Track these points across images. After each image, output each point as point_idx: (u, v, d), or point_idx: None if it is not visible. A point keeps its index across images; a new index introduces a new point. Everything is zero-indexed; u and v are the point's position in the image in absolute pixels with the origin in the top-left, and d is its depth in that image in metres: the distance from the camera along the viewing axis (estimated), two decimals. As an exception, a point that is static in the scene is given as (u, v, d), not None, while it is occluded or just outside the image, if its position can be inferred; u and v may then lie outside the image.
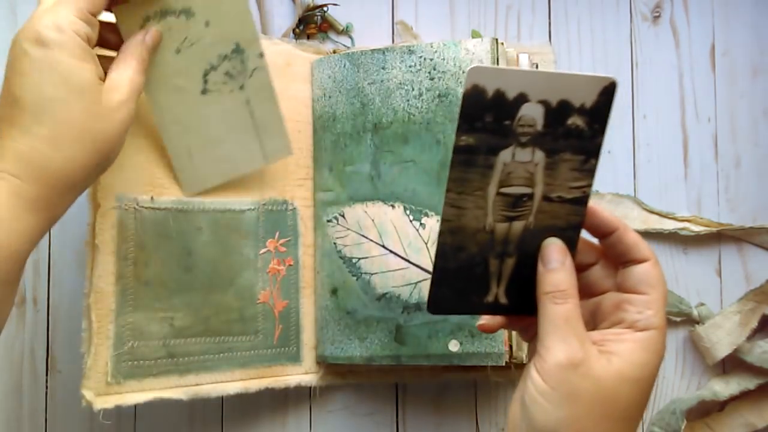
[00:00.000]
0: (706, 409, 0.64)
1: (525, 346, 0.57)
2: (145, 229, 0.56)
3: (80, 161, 0.45)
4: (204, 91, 0.55)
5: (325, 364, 0.62)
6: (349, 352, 0.60)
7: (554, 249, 0.41)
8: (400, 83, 0.59)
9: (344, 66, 0.61)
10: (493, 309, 0.43)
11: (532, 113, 0.39)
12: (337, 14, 0.66)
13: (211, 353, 0.58)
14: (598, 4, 0.67)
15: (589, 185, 0.41)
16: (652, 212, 0.65)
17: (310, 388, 0.63)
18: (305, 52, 0.64)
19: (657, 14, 0.67)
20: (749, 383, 0.62)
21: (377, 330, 0.59)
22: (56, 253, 0.63)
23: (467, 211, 0.40)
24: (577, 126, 0.40)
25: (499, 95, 0.38)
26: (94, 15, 0.47)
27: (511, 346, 0.57)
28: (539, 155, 0.40)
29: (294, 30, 0.66)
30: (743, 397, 0.63)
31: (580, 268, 0.44)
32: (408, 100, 0.59)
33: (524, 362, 0.56)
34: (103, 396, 0.53)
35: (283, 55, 0.62)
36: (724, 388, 0.63)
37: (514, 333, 0.57)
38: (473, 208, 0.40)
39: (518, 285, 0.43)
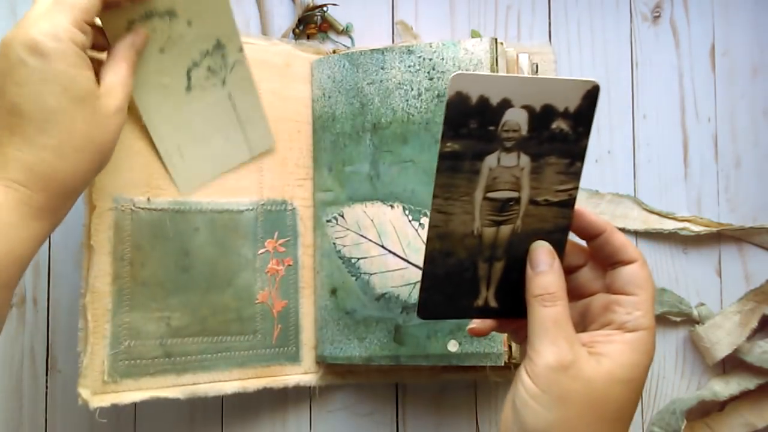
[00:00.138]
0: (706, 409, 0.64)
1: (524, 346, 0.57)
2: (142, 230, 0.56)
3: (84, 168, 0.46)
4: (188, 88, 0.56)
5: (324, 364, 0.62)
6: (348, 352, 0.60)
7: (542, 252, 0.42)
8: (399, 83, 0.59)
9: (343, 66, 0.61)
10: (484, 313, 0.44)
11: (516, 118, 0.39)
12: (337, 14, 0.66)
13: (209, 353, 0.58)
14: (598, 4, 0.67)
15: (576, 188, 0.41)
16: (652, 212, 0.65)
17: (310, 388, 0.63)
18: (305, 53, 0.64)
19: (657, 14, 0.67)
20: (749, 383, 0.62)
21: (376, 330, 0.59)
22: (56, 254, 0.63)
23: (455, 216, 0.41)
24: (561, 130, 0.40)
25: (483, 101, 0.38)
26: (89, 24, 0.47)
27: (510, 347, 0.57)
28: (525, 159, 0.40)
29: (294, 30, 0.66)
30: (743, 397, 0.63)
31: (569, 271, 0.44)
32: (407, 100, 0.59)
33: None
34: (100, 395, 0.54)
35: (282, 56, 0.62)
36: (724, 388, 0.63)
37: (512, 334, 0.57)
38: (461, 214, 0.41)
39: (508, 288, 0.43)
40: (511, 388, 0.41)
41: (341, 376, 0.63)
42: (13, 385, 0.62)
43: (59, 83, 0.44)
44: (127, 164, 0.56)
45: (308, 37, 0.66)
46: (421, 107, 0.59)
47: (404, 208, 0.59)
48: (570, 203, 0.42)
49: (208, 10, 0.54)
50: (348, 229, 0.60)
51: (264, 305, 0.60)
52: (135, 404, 0.62)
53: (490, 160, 0.40)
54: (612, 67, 0.66)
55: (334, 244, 0.61)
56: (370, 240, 0.59)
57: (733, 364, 0.64)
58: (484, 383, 0.64)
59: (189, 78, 0.56)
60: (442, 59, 0.58)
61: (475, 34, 0.66)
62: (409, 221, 0.58)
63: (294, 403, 0.64)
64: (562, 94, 0.39)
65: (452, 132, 0.39)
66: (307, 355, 0.62)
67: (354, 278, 0.60)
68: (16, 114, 0.44)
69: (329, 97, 0.62)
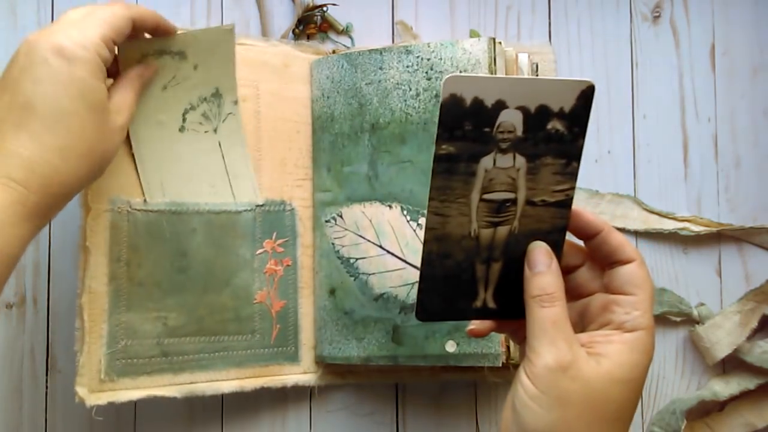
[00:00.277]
0: (706, 409, 0.64)
1: (523, 346, 0.57)
2: (138, 231, 0.56)
3: (82, 174, 0.47)
4: (182, 129, 0.58)
5: (323, 364, 0.62)
6: (346, 352, 0.60)
7: (540, 252, 0.42)
8: (398, 83, 0.59)
9: (342, 66, 0.61)
10: (482, 314, 0.44)
11: (511, 119, 0.39)
12: (337, 14, 0.66)
13: (206, 352, 0.58)
14: (598, 4, 0.67)
15: (572, 188, 0.41)
16: (652, 212, 0.65)
17: (310, 388, 0.63)
18: (304, 53, 0.64)
19: (657, 14, 0.67)
20: (749, 383, 0.62)
21: (375, 330, 0.59)
22: (56, 254, 0.63)
23: (451, 218, 0.41)
24: (557, 130, 0.40)
25: (478, 103, 0.38)
26: (115, 43, 0.49)
27: (508, 347, 0.57)
28: (520, 160, 0.40)
29: (294, 30, 0.66)
30: (743, 397, 0.63)
31: (567, 271, 0.44)
32: (405, 100, 0.59)
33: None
34: (96, 393, 0.54)
35: (281, 56, 0.63)
36: (724, 388, 0.63)
37: (511, 334, 0.57)
38: (457, 215, 0.41)
39: (506, 289, 0.43)
40: (510, 389, 0.41)
41: (341, 376, 0.63)
42: (13, 385, 0.62)
43: (77, 88, 0.45)
44: (124, 168, 0.57)
45: (308, 38, 0.66)
46: (419, 107, 0.59)
47: (402, 209, 0.59)
48: (567, 203, 0.42)
49: (215, 59, 0.57)
50: (346, 229, 0.60)
51: (262, 305, 0.60)
52: (135, 404, 0.62)
53: (486, 162, 0.40)
54: (612, 67, 0.66)
55: (332, 244, 0.61)
56: (369, 240, 0.60)
57: (733, 364, 0.64)
58: (484, 383, 0.64)
59: (184, 119, 0.58)
60: (440, 59, 0.58)
61: (473, 34, 0.66)
62: (407, 221, 0.58)
63: (294, 403, 0.64)
64: (556, 94, 0.39)
65: (447, 134, 0.39)
66: (307, 355, 0.62)
67: (352, 278, 0.60)
68: (29, 110, 0.44)
69: (328, 98, 0.62)
